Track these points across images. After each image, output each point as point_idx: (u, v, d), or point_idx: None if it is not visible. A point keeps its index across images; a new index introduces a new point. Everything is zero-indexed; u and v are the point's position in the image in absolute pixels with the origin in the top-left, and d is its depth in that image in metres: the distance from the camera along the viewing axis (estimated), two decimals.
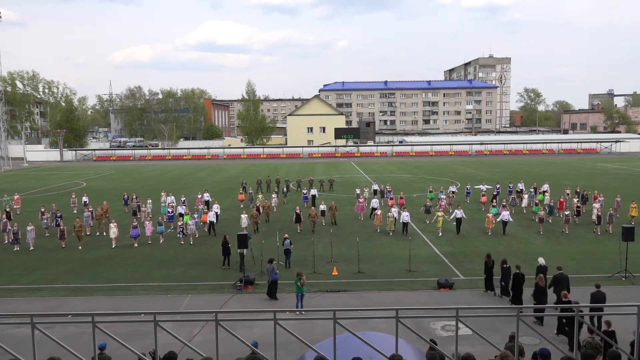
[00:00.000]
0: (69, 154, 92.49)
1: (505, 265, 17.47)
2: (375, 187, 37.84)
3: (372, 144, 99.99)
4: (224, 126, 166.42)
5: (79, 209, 34.17)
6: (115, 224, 25.86)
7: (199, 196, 34.10)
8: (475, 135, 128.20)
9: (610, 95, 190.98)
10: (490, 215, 27.45)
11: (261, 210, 30.57)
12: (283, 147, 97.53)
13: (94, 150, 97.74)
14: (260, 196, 34.55)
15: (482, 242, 25.26)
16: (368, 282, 19.64)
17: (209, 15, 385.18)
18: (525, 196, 34.03)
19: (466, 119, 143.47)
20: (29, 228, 25.01)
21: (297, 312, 15.65)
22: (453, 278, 19.32)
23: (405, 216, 27.10)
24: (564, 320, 13.96)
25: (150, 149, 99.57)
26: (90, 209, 29.80)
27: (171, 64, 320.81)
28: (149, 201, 33.11)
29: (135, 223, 26.03)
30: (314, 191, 36.34)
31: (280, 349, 8.14)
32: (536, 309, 15.21)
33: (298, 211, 28.69)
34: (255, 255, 21.81)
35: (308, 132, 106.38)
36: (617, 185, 43.82)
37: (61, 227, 25.59)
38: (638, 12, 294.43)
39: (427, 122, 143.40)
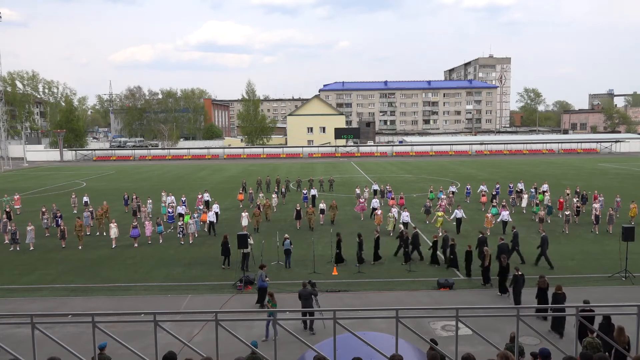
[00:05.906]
0: (69, 154, 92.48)
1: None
2: (376, 187, 37.84)
3: (372, 144, 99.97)
4: (224, 126, 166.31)
5: (79, 209, 34.19)
6: (115, 224, 25.87)
7: (199, 196, 34.11)
8: (475, 135, 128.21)
9: (610, 95, 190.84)
10: (489, 215, 27.44)
11: (261, 209, 30.61)
12: (283, 147, 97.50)
13: (94, 150, 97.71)
14: (261, 195, 34.61)
15: None
16: (368, 282, 19.64)
17: (210, 16, 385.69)
18: (525, 196, 34.01)
19: (466, 119, 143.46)
20: (28, 228, 25.01)
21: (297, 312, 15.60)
22: (453, 278, 19.34)
23: (405, 216, 27.12)
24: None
25: (150, 149, 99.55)
26: (90, 209, 29.81)
27: (172, 64, 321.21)
28: (149, 201, 33.12)
29: (135, 223, 26.03)
30: (314, 191, 36.35)
31: (280, 349, 8.15)
32: (536, 308, 15.22)
33: (298, 208, 29.10)
34: (255, 255, 21.81)
35: (308, 132, 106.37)
36: (617, 185, 43.82)
37: (61, 227, 25.59)
38: (638, 12, 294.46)
39: (427, 122, 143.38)
